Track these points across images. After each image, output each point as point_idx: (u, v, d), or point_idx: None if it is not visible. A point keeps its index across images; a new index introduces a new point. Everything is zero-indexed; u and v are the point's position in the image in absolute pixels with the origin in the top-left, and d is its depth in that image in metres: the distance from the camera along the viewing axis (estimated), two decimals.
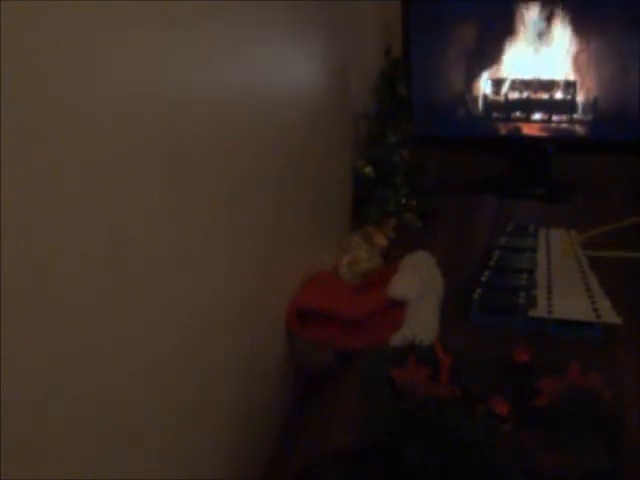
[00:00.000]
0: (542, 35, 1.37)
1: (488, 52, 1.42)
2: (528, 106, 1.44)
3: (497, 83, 1.45)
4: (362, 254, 1.10)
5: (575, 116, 1.40)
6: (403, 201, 1.26)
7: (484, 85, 1.45)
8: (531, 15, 1.36)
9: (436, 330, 0.85)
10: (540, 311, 0.88)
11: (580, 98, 1.39)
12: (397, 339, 0.79)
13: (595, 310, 0.87)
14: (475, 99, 1.46)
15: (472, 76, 1.45)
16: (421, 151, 1.30)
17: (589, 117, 1.39)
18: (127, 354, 0.49)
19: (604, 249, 1.04)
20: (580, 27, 1.34)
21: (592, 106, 1.38)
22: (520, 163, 1.48)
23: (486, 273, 0.99)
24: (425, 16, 1.43)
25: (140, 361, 0.51)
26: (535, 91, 1.42)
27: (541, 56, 1.40)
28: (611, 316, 0.85)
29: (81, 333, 0.43)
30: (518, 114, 1.45)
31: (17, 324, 0.37)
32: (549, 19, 1.36)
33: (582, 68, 1.36)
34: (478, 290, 0.93)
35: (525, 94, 1.43)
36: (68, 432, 0.42)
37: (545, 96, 1.42)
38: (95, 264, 0.44)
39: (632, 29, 1.30)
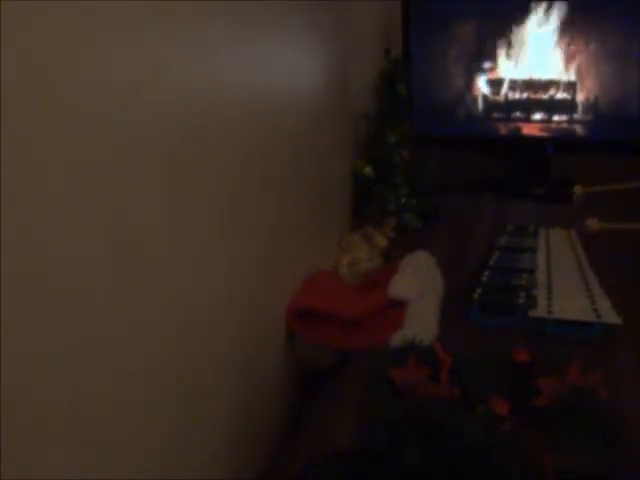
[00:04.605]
0: (542, 35, 1.37)
1: (488, 52, 1.42)
2: (528, 106, 1.43)
3: (497, 83, 1.45)
4: (362, 254, 1.10)
5: (575, 116, 1.40)
6: (403, 201, 1.26)
7: (484, 85, 1.45)
8: (531, 15, 1.37)
9: (436, 330, 0.85)
10: (540, 311, 0.88)
11: (580, 98, 1.39)
12: (397, 339, 0.79)
13: (595, 310, 0.87)
14: (475, 99, 1.46)
15: (472, 76, 1.45)
16: (421, 151, 1.30)
17: (589, 117, 1.39)
18: (127, 354, 0.49)
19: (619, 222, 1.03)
20: (580, 27, 1.34)
21: (592, 106, 1.38)
22: (520, 163, 1.48)
23: (486, 273, 0.99)
24: (425, 16, 1.43)
25: (140, 361, 0.51)
26: (535, 91, 1.42)
27: (541, 56, 1.40)
28: (611, 316, 0.85)
29: (80, 332, 0.43)
30: (518, 114, 1.45)
31: (16, 324, 0.37)
32: (549, 19, 1.36)
33: (582, 68, 1.36)
34: (478, 290, 0.93)
35: (525, 94, 1.43)
36: (68, 432, 0.42)
37: (545, 96, 1.42)
38: (95, 264, 0.44)
39: (632, 29, 1.30)
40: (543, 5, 1.35)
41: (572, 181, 1.28)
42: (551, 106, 1.42)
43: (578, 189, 1.10)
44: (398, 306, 0.89)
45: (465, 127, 1.48)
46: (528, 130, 1.45)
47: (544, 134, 1.44)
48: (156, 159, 0.52)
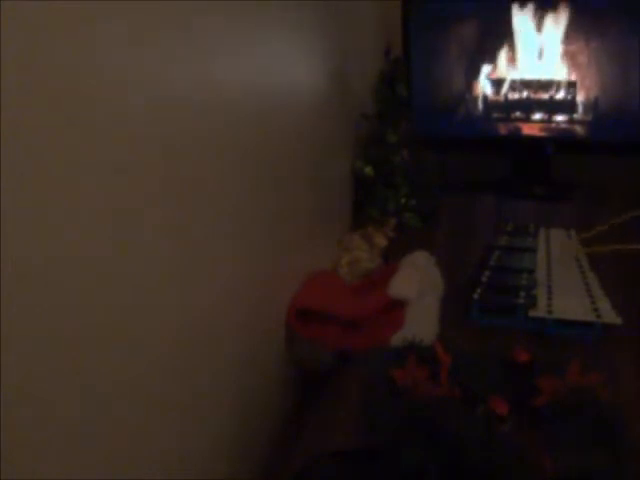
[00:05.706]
0: (542, 35, 1.37)
1: (488, 52, 1.42)
2: (528, 106, 1.44)
3: (497, 83, 1.45)
4: (362, 254, 1.10)
5: (575, 116, 1.40)
6: (403, 201, 1.26)
7: (484, 85, 1.45)
8: (531, 15, 1.37)
9: (436, 330, 0.85)
10: (540, 311, 0.88)
11: (580, 98, 1.39)
12: (397, 339, 0.79)
13: (595, 310, 0.87)
14: (475, 99, 1.46)
15: (472, 76, 1.45)
16: (421, 151, 1.30)
17: (589, 117, 1.39)
18: (127, 354, 0.49)
19: (602, 245, 1.04)
20: (580, 27, 1.34)
21: (592, 106, 1.38)
22: (520, 163, 1.48)
23: (486, 273, 0.99)
24: (425, 16, 1.43)
25: (141, 361, 0.51)
26: (535, 91, 1.42)
27: (541, 56, 1.40)
28: (611, 316, 0.85)
29: (81, 333, 0.43)
30: (518, 114, 1.45)
31: (16, 324, 0.37)
32: (549, 19, 1.36)
33: (582, 68, 1.36)
34: (478, 290, 0.93)
35: (525, 94, 1.43)
36: (68, 432, 0.42)
37: (545, 96, 1.42)
38: (95, 263, 0.44)
39: (632, 29, 1.30)
40: (543, 5, 1.35)
41: (572, 181, 1.29)
42: (551, 106, 1.42)
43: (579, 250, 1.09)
44: (398, 306, 0.89)
45: (465, 127, 1.48)
46: (528, 130, 1.45)
47: (544, 134, 1.44)
48: (156, 159, 0.52)
